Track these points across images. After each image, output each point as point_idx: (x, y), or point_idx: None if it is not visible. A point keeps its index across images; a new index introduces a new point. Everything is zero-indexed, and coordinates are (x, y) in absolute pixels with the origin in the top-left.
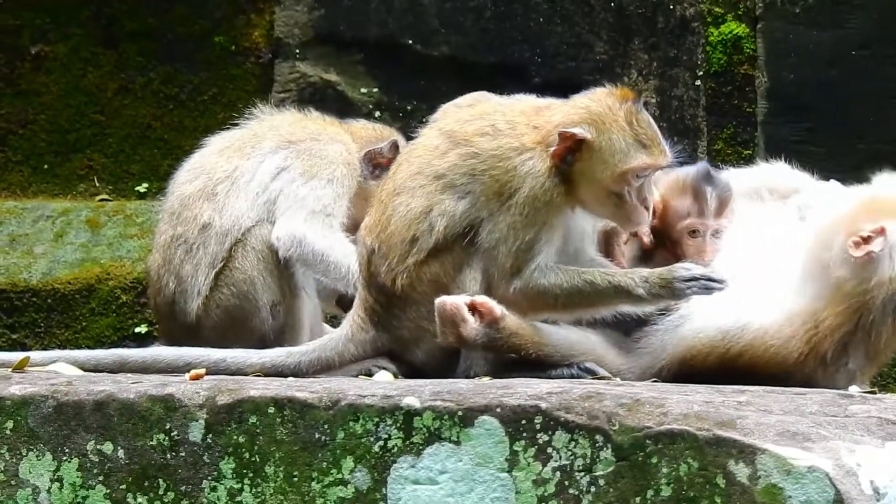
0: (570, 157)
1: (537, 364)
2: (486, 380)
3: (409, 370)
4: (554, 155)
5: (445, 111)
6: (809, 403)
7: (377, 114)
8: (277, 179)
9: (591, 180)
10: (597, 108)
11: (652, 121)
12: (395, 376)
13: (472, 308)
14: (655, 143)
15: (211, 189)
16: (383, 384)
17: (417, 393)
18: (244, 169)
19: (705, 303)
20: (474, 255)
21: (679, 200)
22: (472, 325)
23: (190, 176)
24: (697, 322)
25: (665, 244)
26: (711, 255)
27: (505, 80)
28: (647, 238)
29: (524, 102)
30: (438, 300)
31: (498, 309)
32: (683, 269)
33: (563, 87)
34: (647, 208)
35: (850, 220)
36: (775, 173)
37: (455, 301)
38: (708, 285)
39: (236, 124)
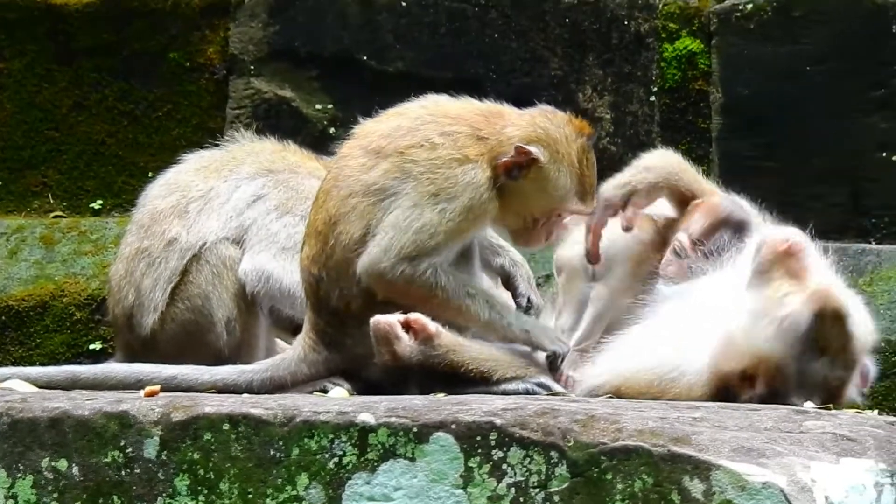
0: (516, 172)
1: (480, 380)
2: (441, 396)
3: (365, 387)
4: (502, 165)
5: (364, 128)
6: (764, 419)
7: (332, 130)
8: (252, 208)
9: (523, 201)
10: (555, 133)
11: (595, 164)
12: (350, 393)
13: (406, 325)
14: (592, 191)
15: (184, 206)
16: (338, 401)
17: (372, 409)
18: (220, 190)
19: (646, 342)
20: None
21: (699, 217)
22: (406, 343)
23: (163, 191)
24: (637, 360)
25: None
26: (674, 277)
27: (460, 95)
28: (625, 223)
29: (461, 108)
30: (373, 319)
31: (432, 325)
32: (558, 341)
33: (518, 102)
34: (546, 240)
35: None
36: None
37: (388, 319)
38: (556, 367)
39: (193, 141)
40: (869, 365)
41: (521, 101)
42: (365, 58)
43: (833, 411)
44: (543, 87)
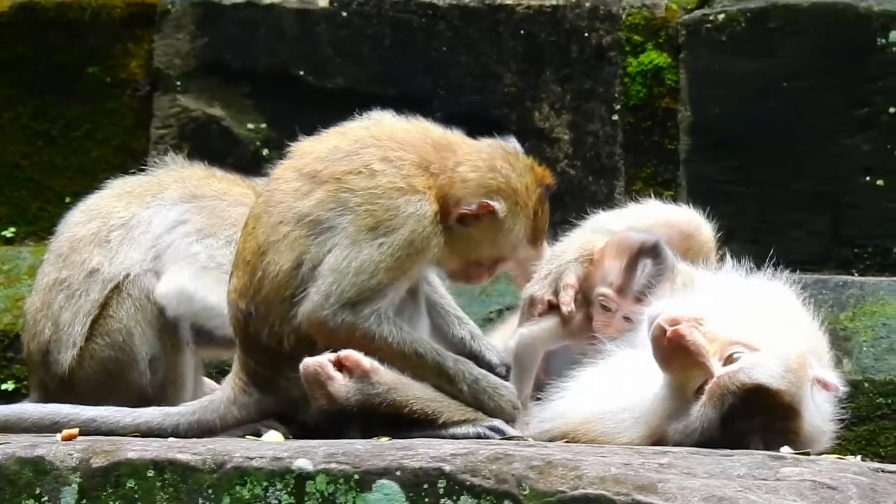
0: (470, 221)
1: (426, 423)
2: (384, 440)
3: (302, 431)
4: (459, 215)
5: (300, 149)
6: (737, 466)
7: (265, 151)
8: (172, 232)
9: (470, 246)
10: (516, 183)
11: (548, 210)
12: (286, 437)
13: (339, 364)
14: (542, 239)
15: (105, 235)
16: (273, 445)
17: (310, 455)
18: (141, 218)
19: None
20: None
21: (610, 263)
22: (341, 383)
23: (84, 218)
24: (586, 408)
25: (586, 299)
26: (615, 335)
27: (406, 112)
28: (566, 308)
29: (409, 133)
30: (302, 363)
31: (367, 361)
32: (511, 396)
33: (468, 121)
34: (485, 280)
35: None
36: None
37: (318, 360)
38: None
39: (114, 164)
40: (826, 376)
41: (472, 120)
42: (302, 73)
43: (812, 457)
44: (496, 104)
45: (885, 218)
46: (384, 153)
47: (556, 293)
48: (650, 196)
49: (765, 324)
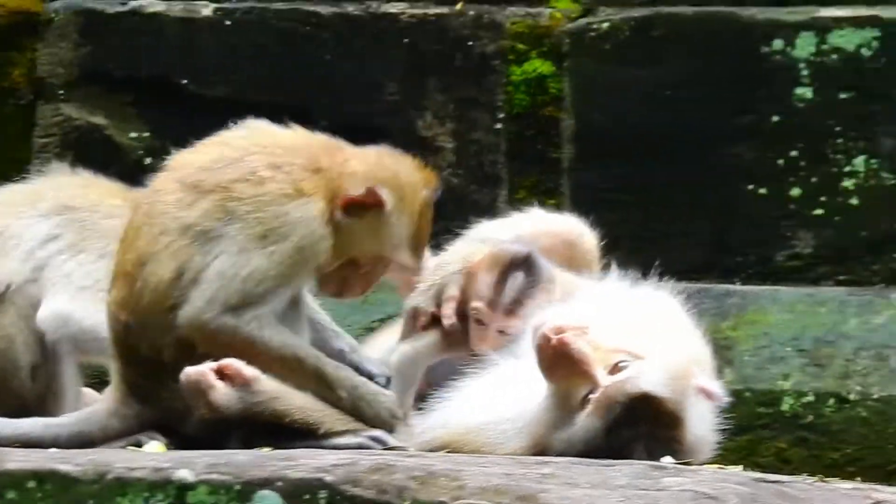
0: (355, 211)
1: (308, 433)
2: (266, 450)
3: (184, 442)
4: (344, 200)
5: (180, 159)
6: (619, 476)
7: (148, 160)
8: (45, 247)
9: (351, 241)
10: (404, 179)
11: (431, 220)
12: (167, 448)
13: (220, 373)
14: (423, 248)
15: None
16: (154, 456)
17: (191, 465)
18: (14, 230)
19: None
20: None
21: (483, 276)
22: (222, 392)
23: None
24: (469, 418)
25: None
26: (491, 349)
27: (289, 121)
28: (447, 322)
29: (295, 139)
30: (183, 372)
31: (248, 370)
32: (389, 404)
33: (352, 130)
34: (362, 291)
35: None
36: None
37: (198, 368)
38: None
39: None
40: (709, 386)
41: (356, 129)
42: (185, 81)
43: (694, 467)
44: (379, 113)
45: (768, 227)
46: (271, 159)
47: (438, 305)
48: (533, 205)
49: (649, 333)
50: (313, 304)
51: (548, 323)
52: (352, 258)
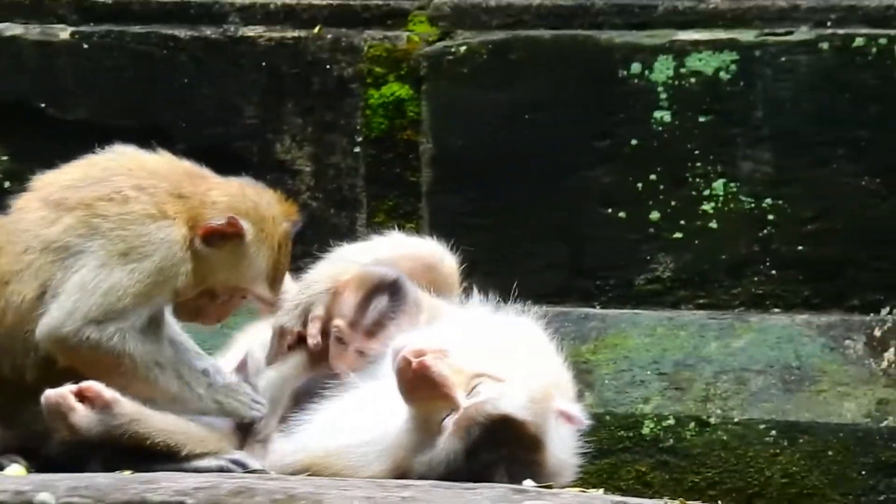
0: (215, 241)
1: (169, 456)
2: (127, 473)
3: (45, 465)
4: (205, 229)
5: (44, 179)
6: (479, 499)
7: (7, 184)
8: None
9: (210, 271)
10: (265, 211)
11: (290, 253)
12: (28, 470)
13: (80, 395)
14: (281, 280)
15: None
16: (14, 479)
17: (52, 488)
18: None
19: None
20: None
21: (348, 296)
22: (82, 414)
23: None
24: (330, 441)
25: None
26: (350, 369)
27: (147, 145)
28: (312, 342)
29: (160, 164)
30: (43, 394)
31: (108, 392)
32: (256, 405)
33: (210, 153)
34: (218, 320)
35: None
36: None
37: (58, 391)
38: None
39: None
40: (570, 409)
41: (214, 153)
42: (43, 105)
43: (555, 490)
44: (238, 136)
45: (627, 250)
46: (136, 181)
47: (304, 324)
48: (393, 228)
49: (510, 356)
50: (175, 325)
51: (408, 346)
52: (209, 288)
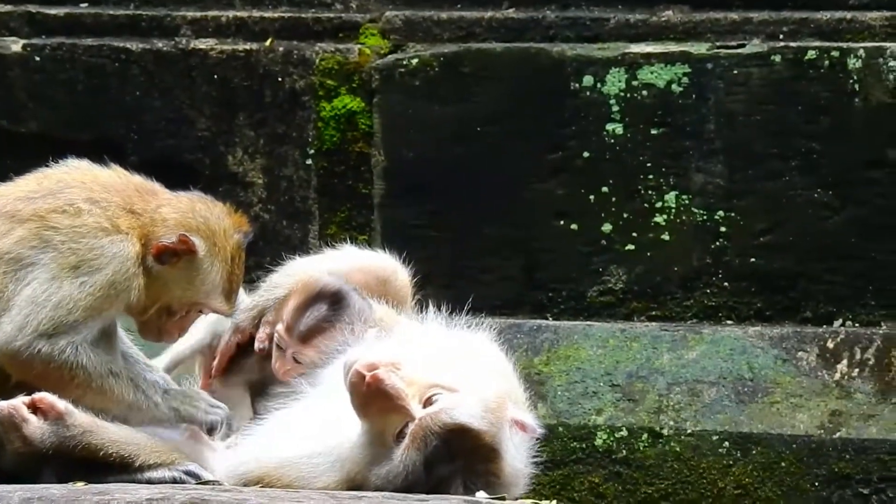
0: (167, 258)
1: (122, 467)
2: (80, 485)
3: None
4: (157, 248)
5: None
6: None
7: None
8: None
9: (165, 288)
10: (215, 225)
11: (244, 263)
12: None
13: (34, 406)
14: (235, 293)
15: None
16: None
17: (5, 500)
18: None
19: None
20: None
21: (292, 302)
22: (35, 425)
23: None
24: (280, 452)
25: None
26: (288, 375)
27: (100, 157)
28: (258, 345)
29: (113, 178)
30: None
31: (61, 403)
32: (213, 409)
33: (162, 166)
34: (178, 335)
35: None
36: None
37: (11, 402)
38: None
39: None
40: (524, 418)
41: (166, 165)
42: None
43: (508, 501)
44: (189, 149)
45: (579, 262)
46: (89, 194)
47: (256, 327)
48: (345, 240)
49: (463, 367)
50: (126, 338)
51: (361, 359)
52: (166, 304)
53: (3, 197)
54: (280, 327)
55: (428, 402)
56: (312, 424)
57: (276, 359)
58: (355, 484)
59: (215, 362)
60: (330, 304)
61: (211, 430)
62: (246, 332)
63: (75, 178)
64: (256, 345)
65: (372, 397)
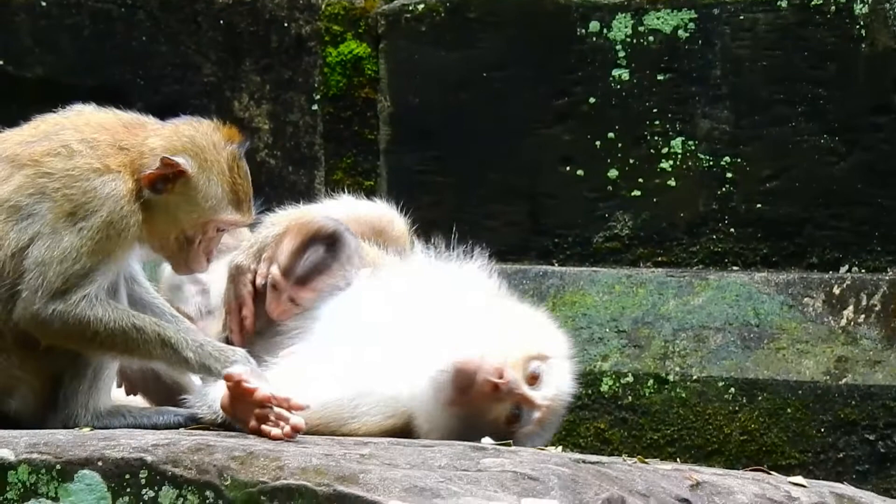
0: (161, 185)
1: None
2: (86, 430)
3: (2, 421)
4: (146, 178)
5: (2, 136)
6: (438, 457)
7: None
8: None
9: (172, 216)
10: (201, 141)
11: (248, 172)
12: None
13: None
14: (247, 199)
15: None
16: None
17: (12, 445)
18: None
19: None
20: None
21: (287, 243)
22: None
23: None
24: (310, 394)
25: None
26: (282, 316)
27: (105, 103)
28: (260, 280)
29: (105, 118)
30: None
31: None
32: (240, 357)
33: (168, 111)
34: (208, 260)
35: None
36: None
37: None
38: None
39: None
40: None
41: (171, 110)
42: (1, 62)
43: (514, 448)
44: (195, 94)
45: (585, 208)
46: (82, 135)
47: (257, 262)
48: (351, 186)
49: (529, 328)
50: (151, 289)
51: (485, 363)
52: (181, 232)
53: (6, 141)
54: (275, 269)
55: (532, 378)
56: (337, 366)
57: (271, 300)
58: (404, 431)
59: (245, 312)
60: (326, 245)
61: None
62: (252, 270)
63: (70, 121)
64: (258, 280)
65: (497, 399)
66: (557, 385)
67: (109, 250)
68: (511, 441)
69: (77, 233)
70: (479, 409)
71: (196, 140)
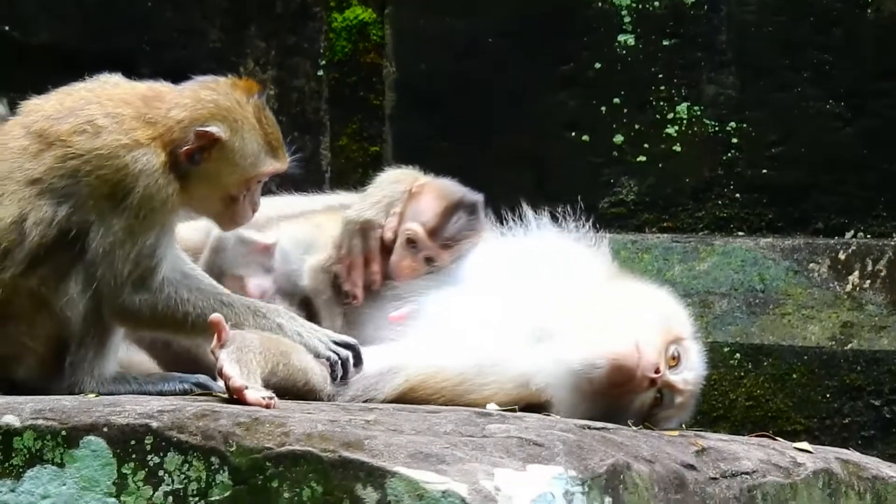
0: (198, 156)
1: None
2: (91, 397)
3: (9, 387)
4: (184, 154)
5: (29, 106)
6: (443, 422)
7: None
8: None
9: (213, 181)
10: (225, 102)
11: (274, 118)
12: None
13: None
14: (281, 145)
15: None
16: None
17: (17, 411)
18: None
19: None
20: (80, 262)
21: (429, 203)
22: None
23: None
24: (440, 360)
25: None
26: (409, 274)
27: (111, 69)
28: (389, 234)
29: (125, 91)
30: None
31: None
32: (324, 332)
33: (173, 77)
34: (254, 211)
35: None
36: None
37: None
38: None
39: None
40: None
41: (178, 76)
42: (7, 28)
43: (519, 413)
44: (201, 60)
45: (590, 174)
46: (105, 110)
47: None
48: (356, 151)
49: (653, 306)
50: (200, 273)
51: (643, 360)
52: (226, 194)
53: (33, 113)
54: (418, 227)
55: (673, 361)
56: (466, 331)
57: (402, 256)
58: (529, 402)
59: (375, 267)
60: (468, 214)
61: (333, 368)
62: (382, 225)
63: (95, 95)
64: (386, 234)
65: (648, 390)
66: (695, 367)
67: (159, 222)
68: (516, 407)
69: (122, 213)
70: (628, 399)
71: (220, 103)
